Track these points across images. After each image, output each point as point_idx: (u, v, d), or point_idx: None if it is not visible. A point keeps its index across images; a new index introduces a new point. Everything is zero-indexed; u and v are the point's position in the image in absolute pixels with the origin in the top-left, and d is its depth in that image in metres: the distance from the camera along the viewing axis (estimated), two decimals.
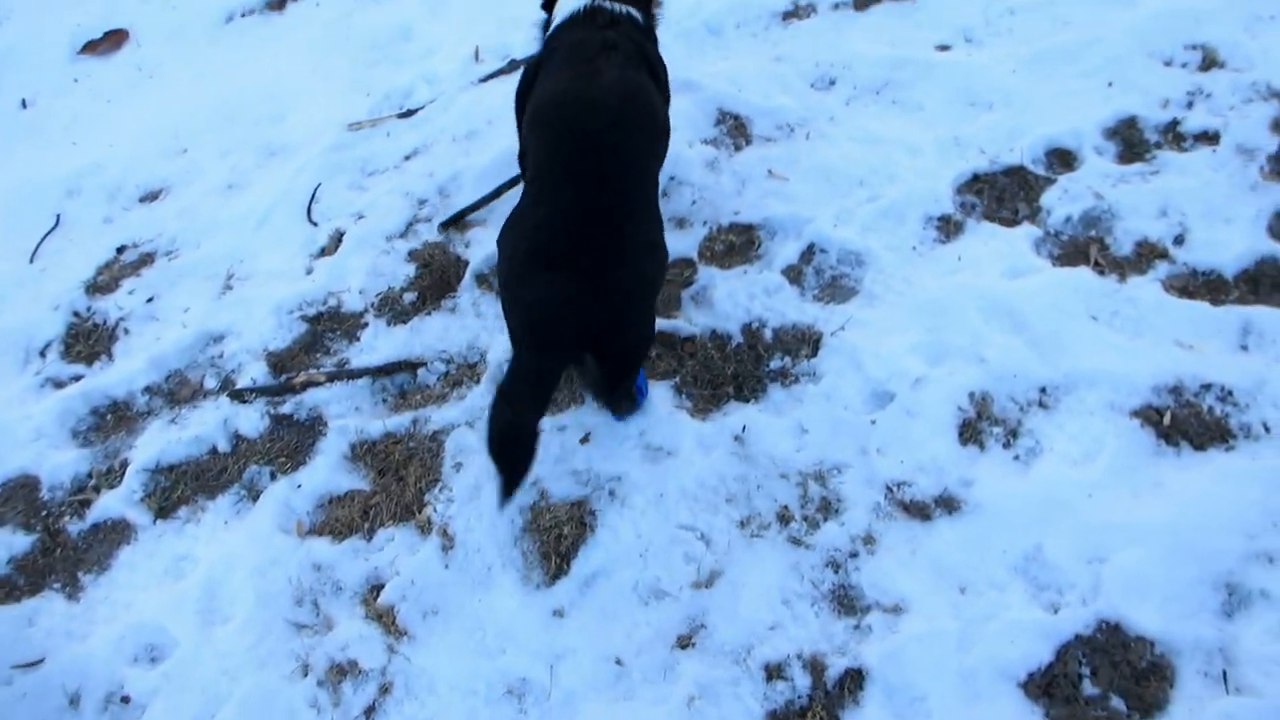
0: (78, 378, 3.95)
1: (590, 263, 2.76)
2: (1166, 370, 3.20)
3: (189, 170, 4.81)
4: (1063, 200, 3.73)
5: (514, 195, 3.60)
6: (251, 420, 3.63)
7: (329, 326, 3.89)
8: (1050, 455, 3.10)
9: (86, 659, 3.13)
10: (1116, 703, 2.62)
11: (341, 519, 3.32)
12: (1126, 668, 2.67)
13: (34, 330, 4.17)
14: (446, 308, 3.82)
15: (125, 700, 3.04)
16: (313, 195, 4.39)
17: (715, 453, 3.23)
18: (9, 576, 3.41)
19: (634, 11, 3.40)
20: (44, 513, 3.56)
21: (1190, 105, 3.96)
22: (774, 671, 2.80)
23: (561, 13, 3.38)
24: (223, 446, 3.60)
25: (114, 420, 3.80)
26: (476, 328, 3.73)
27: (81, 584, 3.36)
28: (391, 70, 5.05)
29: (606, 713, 2.80)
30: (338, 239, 4.18)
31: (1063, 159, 3.90)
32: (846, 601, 2.91)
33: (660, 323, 3.50)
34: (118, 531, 3.46)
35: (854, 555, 2.99)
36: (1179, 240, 3.55)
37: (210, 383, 3.81)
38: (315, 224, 4.29)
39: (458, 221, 4.09)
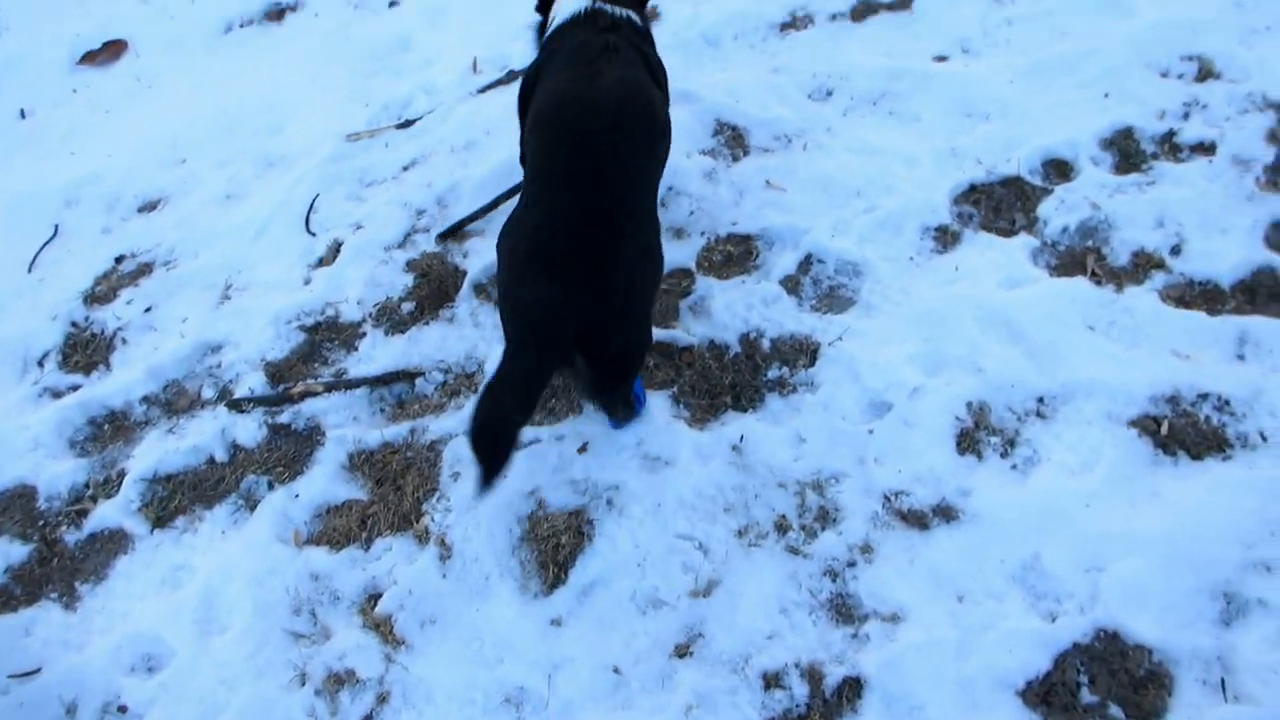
0: (75, 388, 3.95)
1: (585, 265, 2.77)
2: (1164, 380, 3.20)
3: (187, 180, 4.81)
4: (1059, 211, 3.74)
5: (512, 206, 3.61)
6: (249, 430, 3.63)
7: (327, 336, 3.89)
8: (1048, 465, 3.10)
9: (83, 669, 3.12)
10: (1115, 711, 2.63)
11: (339, 528, 3.31)
12: (1125, 676, 2.67)
13: (32, 340, 4.17)
14: (444, 318, 3.83)
15: (122, 710, 3.03)
16: (311, 206, 4.40)
17: (713, 462, 3.24)
18: (6, 586, 3.41)
19: (633, 15, 3.42)
20: (41, 522, 3.56)
21: (1187, 116, 3.97)
22: (772, 680, 2.80)
23: (561, 14, 3.39)
24: (220, 456, 3.60)
25: (111, 430, 3.80)
26: (474, 338, 3.73)
27: (79, 594, 3.35)
28: (390, 81, 5.06)
29: None
30: (336, 249, 4.18)
31: (1059, 169, 3.91)
32: (844, 610, 2.91)
33: (658, 332, 3.50)
34: (115, 541, 3.46)
35: (852, 564, 2.99)
36: (1176, 250, 3.56)
37: (208, 393, 3.81)
38: (313, 234, 4.29)
39: (456, 232, 4.09)
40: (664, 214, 3.88)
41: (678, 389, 3.46)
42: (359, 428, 3.56)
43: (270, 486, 3.47)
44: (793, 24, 4.79)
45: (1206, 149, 3.84)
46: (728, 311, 3.62)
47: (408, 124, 4.73)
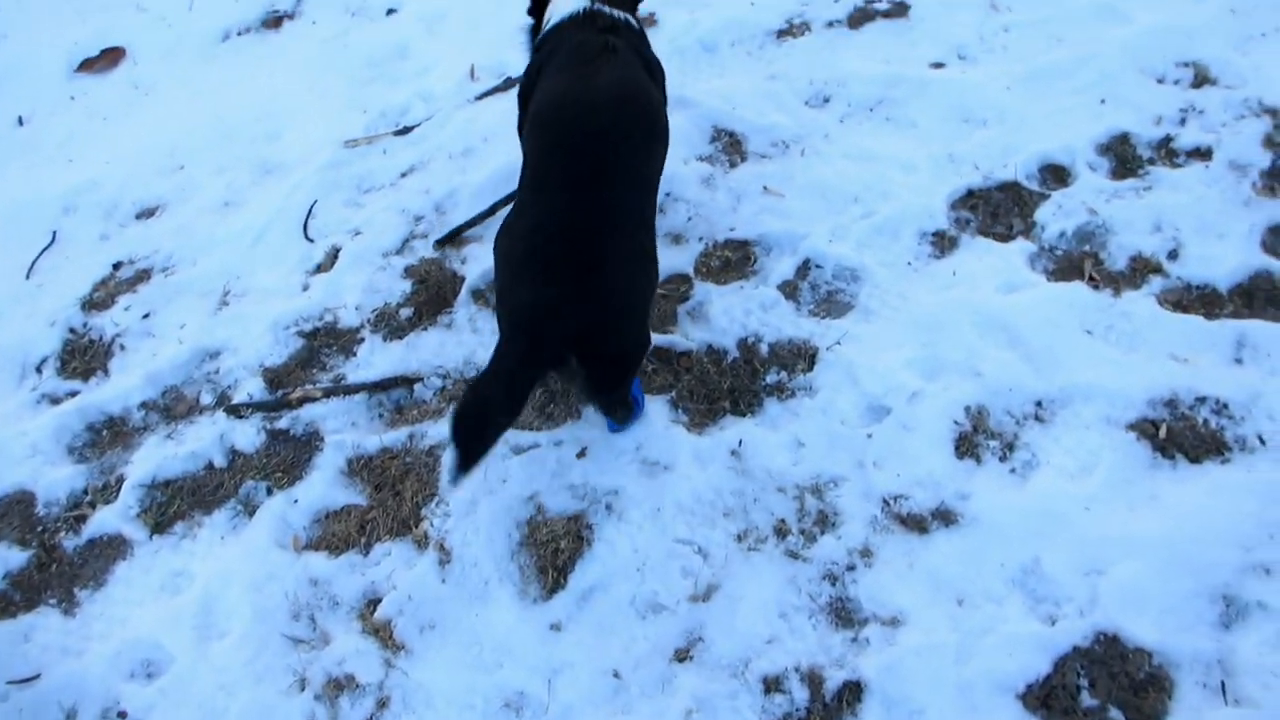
0: (74, 394, 3.95)
1: (578, 267, 2.76)
2: (1161, 384, 3.21)
3: (185, 187, 4.81)
4: (1057, 216, 3.75)
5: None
6: (248, 436, 3.63)
7: (325, 342, 3.89)
8: (1047, 469, 3.11)
9: (83, 675, 3.11)
10: (1115, 714, 2.63)
11: (338, 534, 3.31)
12: (1125, 679, 2.68)
13: (30, 346, 4.17)
14: (443, 323, 3.83)
15: (122, 716, 3.03)
16: (309, 212, 4.40)
17: (712, 467, 3.24)
18: (5, 592, 3.40)
19: (630, 17, 3.43)
20: (40, 528, 3.55)
21: (1183, 122, 3.99)
22: (772, 684, 2.80)
23: (558, 14, 3.39)
24: (219, 462, 3.60)
25: (110, 436, 3.80)
26: (473, 343, 3.73)
27: (78, 600, 3.35)
28: (387, 88, 5.07)
29: None
30: (334, 255, 4.19)
31: (1056, 175, 3.92)
32: (844, 614, 2.91)
33: (657, 337, 3.51)
34: (114, 547, 3.45)
35: (851, 568, 2.99)
36: (1173, 255, 3.57)
37: (206, 398, 3.81)
38: (311, 241, 4.29)
39: (454, 238, 4.10)
40: (662, 220, 3.90)
41: (676, 394, 3.47)
42: (358, 433, 3.56)
43: (269, 492, 3.47)
44: (790, 31, 4.81)
45: (1203, 154, 3.86)
46: (726, 316, 3.63)
47: (405, 131, 4.73)
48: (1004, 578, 2.89)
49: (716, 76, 4.64)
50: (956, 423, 3.23)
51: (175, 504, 3.51)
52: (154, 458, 3.63)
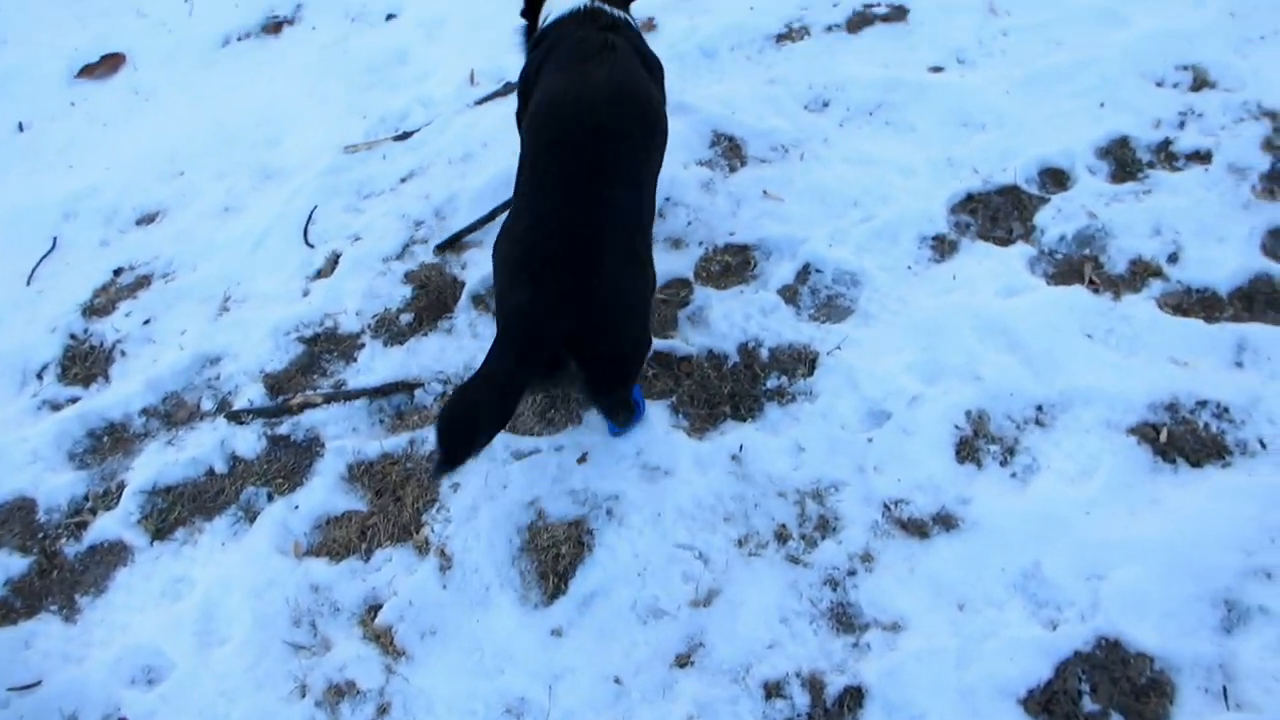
0: (74, 400, 3.95)
1: (571, 269, 2.75)
2: (1162, 388, 3.21)
3: (185, 193, 4.81)
4: (1056, 219, 3.75)
5: None
6: (248, 442, 3.63)
7: (326, 348, 3.89)
8: (1047, 473, 3.11)
9: (84, 681, 3.11)
10: (1116, 719, 2.62)
11: (339, 540, 3.31)
12: (1126, 684, 2.67)
13: (31, 353, 4.17)
14: (443, 329, 3.83)
15: None
16: (309, 218, 4.40)
17: (712, 472, 3.24)
18: (6, 599, 3.40)
19: (629, 17, 3.44)
20: (41, 535, 3.55)
21: (1182, 125, 3.99)
22: (773, 690, 2.80)
23: (556, 10, 3.39)
24: (220, 468, 3.60)
25: (111, 442, 3.80)
26: (473, 348, 3.73)
27: (78, 606, 3.35)
28: (387, 93, 5.07)
29: None
30: (334, 261, 4.19)
31: (1056, 178, 3.92)
32: (845, 619, 2.91)
33: (657, 342, 3.51)
34: (114, 553, 3.46)
35: (852, 573, 2.99)
36: (1173, 258, 3.57)
37: (207, 404, 3.81)
38: (312, 246, 4.29)
39: (454, 243, 4.10)
40: (662, 224, 3.91)
41: (677, 399, 3.47)
42: (358, 439, 3.56)
43: (270, 498, 3.47)
44: (789, 36, 4.81)
45: (1202, 157, 3.86)
46: (726, 321, 3.63)
47: (405, 136, 4.74)
48: (1005, 582, 2.89)
49: (716, 81, 4.64)
50: (957, 427, 3.23)
51: (176, 510, 3.51)
52: (155, 464, 3.63)
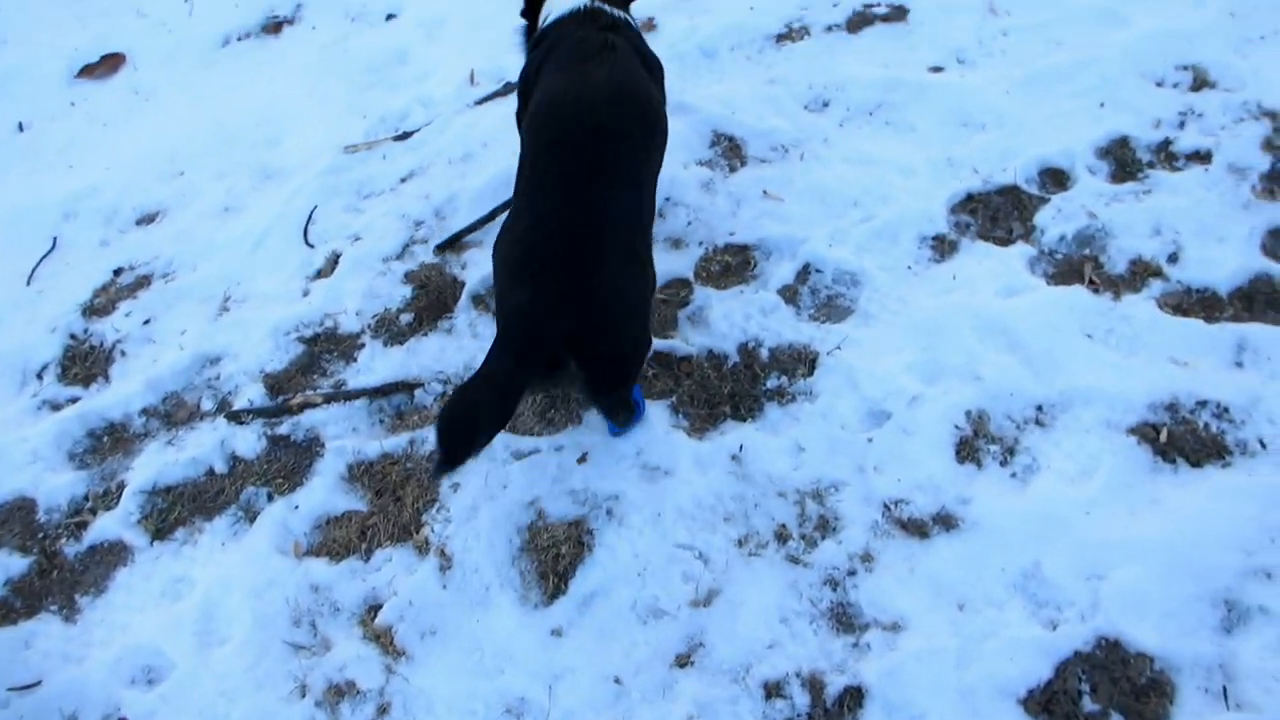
0: (74, 400, 3.95)
1: (569, 269, 2.76)
2: (1162, 388, 3.21)
3: (185, 193, 4.81)
4: (1056, 219, 3.75)
5: None
6: (248, 442, 3.63)
7: (326, 348, 3.89)
8: (1047, 473, 3.11)
9: (84, 681, 3.11)
10: (1117, 719, 2.62)
11: (339, 540, 3.31)
12: (1126, 684, 2.67)
13: (31, 353, 4.17)
14: (443, 329, 3.83)
15: None
16: (309, 218, 4.40)
17: (712, 472, 3.24)
18: (6, 599, 3.40)
19: (629, 17, 3.44)
20: (41, 535, 3.55)
21: (1182, 125, 3.99)
22: (773, 690, 2.80)
23: (557, 10, 3.39)
24: (220, 468, 3.60)
25: (111, 442, 3.80)
26: (473, 348, 3.73)
27: (78, 606, 3.35)
28: (387, 93, 5.07)
29: None
30: (334, 261, 4.19)
31: (1056, 178, 3.92)
32: (845, 619, 2.91)
33: (657, 342, 3.51)
34: (115, 553, 3.45)
35: (852, 573, 2.99)
36: (1173, 258, 3.57)
37: (207, 404, 3.81)
38: (312, 246, 4.29)
39: (454, 243, 4.10)
40: (662, 224, 3.91)
41: (677, 399, 3.47)
42: (358, 439, 3.56)
43: (270, 498, 3.47)
44: (789, 36, 4.81)
45: (1202, 157, 3.86)
46: (726, 321, 3.63)
47: (405, 136, 4.74)
48: (1005, 582, 2.89)
49: (716, 81, 4.64)
50: (957, 427, 3.23)
51: (176, 510, 3.51)
52: (155, 464, 3.63)
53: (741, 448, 3.28)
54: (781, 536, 3.09)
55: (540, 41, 3.40)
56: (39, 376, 4.09)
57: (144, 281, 4.40)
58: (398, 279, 4.04)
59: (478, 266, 3.97)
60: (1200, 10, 4.42)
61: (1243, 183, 3.73)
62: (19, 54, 5.93)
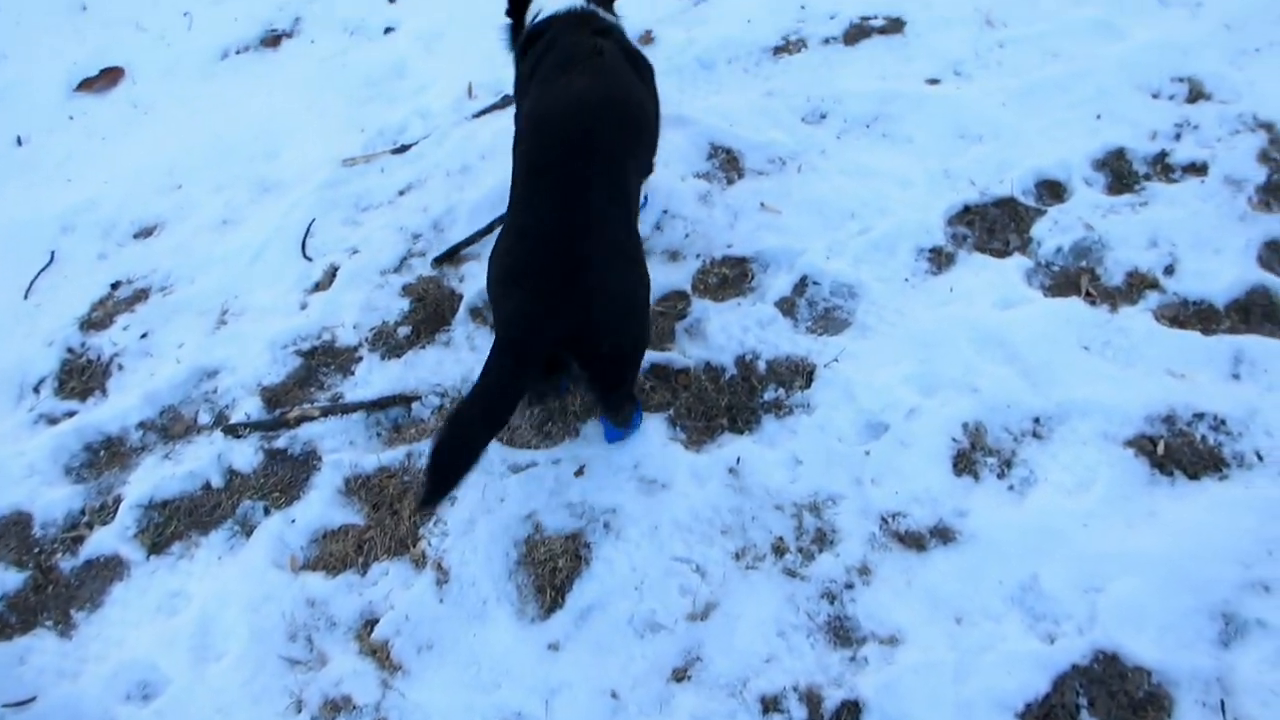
0: (71, 414, 3.94)
1: (565, 268, 2.78)
2: (1159, 400, 3.21)
3: (183, 206, 4.81)
4: (1053, 231, 3.76)
5: None
6: (245, 455, 3.63)
7: (323, 361, 3.89)
8: (1045, 485, 3.11)
9: (79, 697, 3.10)
10: None
11: (335, 554, 3.31)
12: (1124, 698, 2.67)
13: (28, 366, 4.16)
14: (440, 341, 3.83)
15: None
16: (307, 231, 4.40)
17: (710, 484, 3.23)
18: (1, 614, 3.39)
19: (614, 18, 3.47)
20: (36, 550, 3.54)
21: (1178, 137, 3.99)
22: (770, 704, 2.79)
23: (547, 9, 3.42)
24: (216, 482, 3.59)
25: (107, 456, 3.79)
26: (471, 361, 3.72)
27: (74, 621, 3.34)
28: (385, 106, 5.08)
29: None
30: (332, 274, 4.19)
31: (1052, 190, 3.93)
32: (842, 633, 2.90)
33: (654, 355, 3.51)
34: (110, 568, 3.45)
35: (849, 586, 2.98)
36: (1169, 270, 3.57)
37: (204, 418, 3.80)
38: (309, 259, 4.29)
39: (452, 256, 4.10)
40: (659, 237, 3.91)
41: (674, 411, 3.46)
42: (355, 452, 3.56)
43: (266, 512, 3.46)
44: (786, 48, 4.82)
45: (1199, 169, 3.86)
46: (723, 334, 3.63)
47: (403, 149, 4.74)
48: (1002, 595, 2.88)
49: (714, 94, 4.65)
50: (954, 439, 3.23)
51: (172, 524, 3.51)
52: (151, 478, 3.62)
53: (739, 460, 3.27)
54: (779, 549, 3.08)
55: (529, 44, 3.42)
56: (36, 390, 4.09)
57: (141, 295, 4.40)
58: (395, 292, 4.04)
59: (475, 279, 3.97)
60: (1196, 22, 4.42)
61: (1239, 194, 3.73)
62: (18, 68, 5.93)
